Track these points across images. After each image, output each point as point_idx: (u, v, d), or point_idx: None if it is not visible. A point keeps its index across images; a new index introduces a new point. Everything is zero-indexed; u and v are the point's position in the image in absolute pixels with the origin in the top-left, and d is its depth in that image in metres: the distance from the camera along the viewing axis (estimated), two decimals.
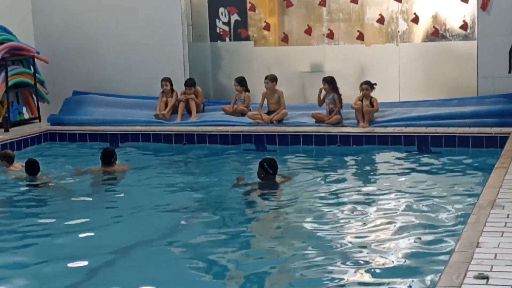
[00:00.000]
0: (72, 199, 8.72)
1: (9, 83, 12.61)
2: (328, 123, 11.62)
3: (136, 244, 6.96)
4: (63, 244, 7.06)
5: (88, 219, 7.77)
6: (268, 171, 8.74)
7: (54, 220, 7.89)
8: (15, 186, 9.34)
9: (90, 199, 8.81)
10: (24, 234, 7.41)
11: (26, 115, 13.15)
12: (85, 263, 6.42)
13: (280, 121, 11.95)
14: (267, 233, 7.41)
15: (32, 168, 9.41)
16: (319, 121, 11.74)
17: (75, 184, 9.36)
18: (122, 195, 8.98)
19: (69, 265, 6.40)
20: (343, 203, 8.17)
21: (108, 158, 9.71)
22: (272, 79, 12.17)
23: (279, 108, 12.08)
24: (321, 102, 11.91)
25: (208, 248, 6.74)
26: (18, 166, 9.92)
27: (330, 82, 11.78)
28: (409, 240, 6.74)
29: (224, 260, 6.48)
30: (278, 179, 8.93)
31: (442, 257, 6.10)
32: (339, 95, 11.72)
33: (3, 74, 12.51)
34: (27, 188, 9.24)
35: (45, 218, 8.01)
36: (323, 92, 11.84)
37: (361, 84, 11.63)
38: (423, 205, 7.86)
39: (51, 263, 6.52)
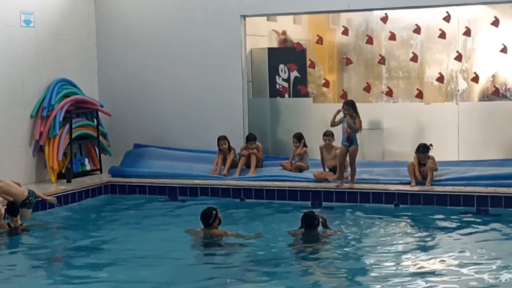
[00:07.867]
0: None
1: (73, 135, 12.94)
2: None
3: None
4: None
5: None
6: (302, 224, 8.91)
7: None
8: None
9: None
10: None
11: (88, 167, 13.42)
12: None
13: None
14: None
15: (12, 208, 9.90)
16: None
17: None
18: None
19: None
20: (388, 258, 8.26)
21: (203, 220, 9.20)
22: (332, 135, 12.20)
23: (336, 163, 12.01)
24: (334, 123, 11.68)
25: None
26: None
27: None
28: None
29: None
30: (322, 232, 9.04)
31: None
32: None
33: (67, 126, 12.84)
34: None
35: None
36: (340, 115, 11.53)
37: (417, 151, 11.43)
38: (479, 270, 7.73)
39: None
